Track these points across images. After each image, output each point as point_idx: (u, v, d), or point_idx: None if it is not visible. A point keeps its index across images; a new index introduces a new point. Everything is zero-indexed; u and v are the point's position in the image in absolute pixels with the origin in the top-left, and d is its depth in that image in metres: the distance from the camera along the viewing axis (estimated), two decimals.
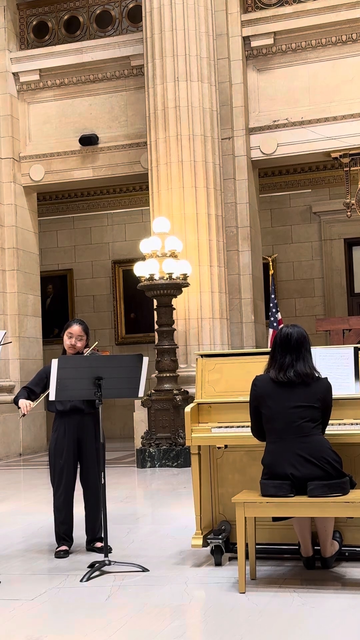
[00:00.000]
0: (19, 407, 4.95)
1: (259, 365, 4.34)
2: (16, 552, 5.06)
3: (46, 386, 4.84)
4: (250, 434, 4.22)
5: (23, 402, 4.90)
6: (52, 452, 4.99)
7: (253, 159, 11.36)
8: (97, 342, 5.35)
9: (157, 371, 9.58)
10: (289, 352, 4.04)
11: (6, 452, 11.36)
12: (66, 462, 4.93)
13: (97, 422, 4.80)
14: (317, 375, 4.07)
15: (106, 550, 4.50)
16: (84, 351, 4.99)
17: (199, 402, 4.55)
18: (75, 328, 4.98)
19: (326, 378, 4.09)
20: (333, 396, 4.10)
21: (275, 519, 4.10)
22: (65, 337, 5.00)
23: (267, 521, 4.26)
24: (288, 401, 3.99)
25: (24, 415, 4.92)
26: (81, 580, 4.23)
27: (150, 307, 10.22)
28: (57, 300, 15.23)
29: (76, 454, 4.96)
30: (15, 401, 5.01)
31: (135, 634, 3.39)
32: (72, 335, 4.98)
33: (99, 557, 4.55)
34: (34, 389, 5.01)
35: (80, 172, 12.07)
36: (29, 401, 4.90)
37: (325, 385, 4.05)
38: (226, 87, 11.07)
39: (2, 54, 12.14)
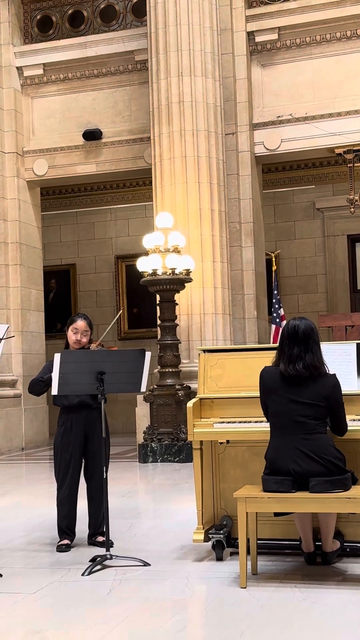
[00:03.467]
0: (49, 386, 4.78)
1: (261, 361, 4.33)
2: (18, 545, 5.08)
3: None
4: (253, 429, 4.25)
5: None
6: (58, 446, 4.99)
7: (257, 155, 11.34)
8: (113, 324, 5.35)
9: (159, 366, 9.59)
10: (297, 343, 4.00)
11: (8, 447, 11.38)
12: (72, 456, 4.93)
13: (104, 416, 4.79)
14: (326, 370, 4.04)
15: (108, 544, 4.51)
16: (91, 346, 4.98)
17: (201, 398, 4.55)
18: (80, 323, 4.98)
19: (334, 375, 4.05)
20: None
21: (276, 514, 4.11)
22: (70, 333, 4.99)
23: (268, 516, 4.26)
24: (292, 397, 3.97)
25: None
26: (83, 574, 4.24)
27: (153, 302, 10.22)
28: (60, 295, 15.23)
29: (82, 448, 4.97)
30: (41, 382, 4.88)
31: (136, 628, 3.40)
32: (78, 331, 4.97)
33: (101, 551, 4.56)
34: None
35: (83, 167, 12.06)
36: None
37: (331, 383, 4.00)
38: (230, 82, 11.04)
39: (6, 48, 12.12)
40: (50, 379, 4.72)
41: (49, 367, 4.97)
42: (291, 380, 4.00)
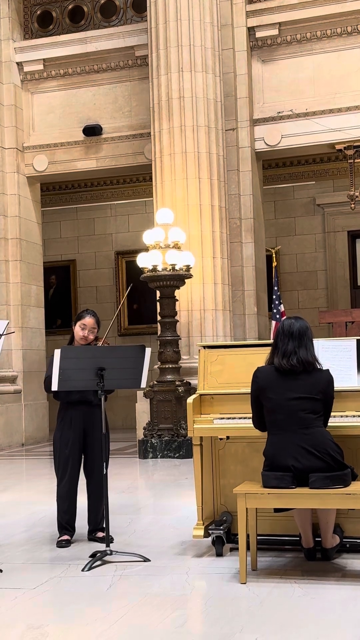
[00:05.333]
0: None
1: (261, 357, 4.34)
2: (18, 541, 5.08)
3: None
4: (252, 425, 4.24)
5: None
6: (58, 441, 4.99)
7: (257, 151, 11.33)
8: (114, 319, 5.37)
9: (159, 362, 9.59)
10: (292, 339, 4.06)
11: (9, 442, 11.39)
12: (72, 452, 4.94)
13: (103, 412, 4.80)
14: (319, 365, 4.08)
15: (108, 540, 4.51)
16: (98, 343, 4.99)
17: (201, 394, 4.55)
18: (89, 320, 4.99)
19: (328, 370, 4.10)
20: (335, 388, 4.11)
21: (276, 510, 4.11)
22: (78, 328, 4.99)
23: (268, 512, 4.27)
24: (289, 393, 3.99)
25: None
26: (83, 570, 4.25)
27: (153, 298, 10.22)
28: (60, 291, 15.23)
29: (82, 444, 4.97)
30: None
31: (136, 624, 3.41)
32: (86, 327, 4.98)
33: (101, 546, 4.57)
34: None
35: (83, 163, 12.05)
36: None
37: (326, 378, 4.06)
38: (230, 77, 11.03)
39: (6, 43, 12.10)
40: None
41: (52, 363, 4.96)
42: (286, 376, 4.03)
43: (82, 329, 4.98)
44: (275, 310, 11.33)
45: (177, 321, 9.71)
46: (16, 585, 4.03)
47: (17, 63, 12.19)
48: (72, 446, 4.94)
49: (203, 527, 4.49)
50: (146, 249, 9.66)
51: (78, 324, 5.00)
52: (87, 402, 4.93)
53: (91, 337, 5.00)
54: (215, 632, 3.25)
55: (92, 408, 4.93)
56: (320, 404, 4.01)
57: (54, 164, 12.12)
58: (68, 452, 4.94)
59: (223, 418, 4.41)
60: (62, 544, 4.85)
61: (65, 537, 4.90)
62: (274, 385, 4.04)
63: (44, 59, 12.09)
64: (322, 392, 4.01)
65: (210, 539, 4.50)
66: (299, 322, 4.14)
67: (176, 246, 9.46)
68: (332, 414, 4.14)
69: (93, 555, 4.45)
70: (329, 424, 4.11)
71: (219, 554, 4.42)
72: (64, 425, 4.97)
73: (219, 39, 10.48)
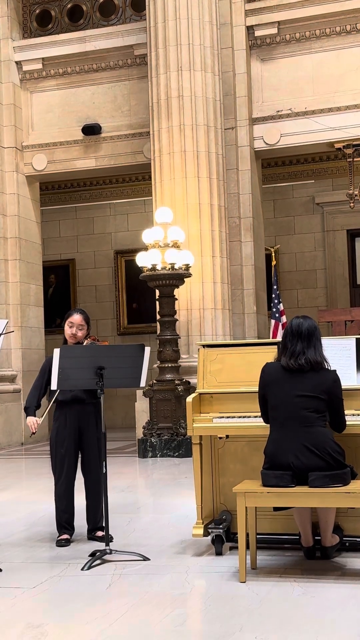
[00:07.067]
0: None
1: (261, 356, 4.34)
2: (18, 540, 5.08)
3: (48, 380, 4.84)
4: (252, 424, 4.26)
5: (31, 421, 4.90)
6: (54, 441, 5.01)
7: (256, 149, 11.33)
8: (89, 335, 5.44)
9: (159, 361, 9.59)
10: (301, 339, 4.07)
11: (8, 442, 11.39)
12: (67, 451, 4.95)
13: (99, 411, 4.81)
14: (327, 365, 4.08)
15: (107, 539, 4.52)
16: (84, 341, 5.01)
17: (200, 392, 4.55)
18: (76, 317, 5.02)
19: (335, 370, 4.09)
20: None
21: (276, 509, 4.11)
22: (67, 327, 5.03)
23: (267, 511, 4.27)
24: (293, 390, 4.00)
25: (33, 433, 4.94)
26: (82, 569, 4.25)
27: (153, 297, 10.22)
28: (59, 290, 15.22)
29: (77, 443, 4.99)
30: (26, 410, 5.03)
31: (135, 623, 3.41)
32: (73, 325, 5.01)
33: (100, 545, 4.57)
34: (40, 385, 5.04)
35: (82, 162, 12.04)
36: (35, 418, 4.92)
37: (332, 377, 4.05)
38: (230, 76, 11.02)
39: (5, 42, 12.09)
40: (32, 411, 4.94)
41: (44, 369, 5.00)
42: (292, 373, 4.04)
43: (69, 327, 5.02)
44: (274, 309, 11.33)
45: (177, 320, 9.71)
46: (15, 584, 4.03)
47: (16, 62, 12.18)
48: (67, 445, 4.95)
49: (202, 526, 4.49)
50: (145, 248, 9.66)
51: (66, 322, 5.06)
52: (80, 401, 4.95)
53: (80, 334, 5.02)
54: (215, 630, 3.25)
55: (85, 406, 4.95)
56: (324, 403, 4.01)
57: (53, 163, 12.12)
58: (64, 451, 4.95)
59: (222, 417, 4.41)
60: (61, 543, 4.85)
61: (65, 536, 4.91)
62: (279, 381, 4.05)
63: (42, 58, 12.09)
64: (326, 391, 4.00)
65: (209, 537, 4.50)
66: (307, 321, 4.14)
67: (175, 245, 9.46)
68: None
69: (92, 554, 4.45)
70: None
71: (219, 553, 4.42)
72: (59, 425, 4.99)
73: (217, 38, 10.48)
